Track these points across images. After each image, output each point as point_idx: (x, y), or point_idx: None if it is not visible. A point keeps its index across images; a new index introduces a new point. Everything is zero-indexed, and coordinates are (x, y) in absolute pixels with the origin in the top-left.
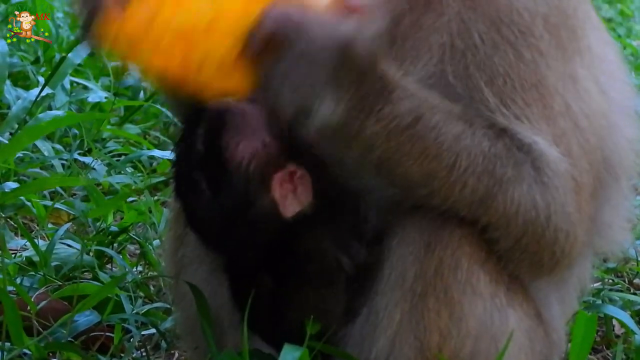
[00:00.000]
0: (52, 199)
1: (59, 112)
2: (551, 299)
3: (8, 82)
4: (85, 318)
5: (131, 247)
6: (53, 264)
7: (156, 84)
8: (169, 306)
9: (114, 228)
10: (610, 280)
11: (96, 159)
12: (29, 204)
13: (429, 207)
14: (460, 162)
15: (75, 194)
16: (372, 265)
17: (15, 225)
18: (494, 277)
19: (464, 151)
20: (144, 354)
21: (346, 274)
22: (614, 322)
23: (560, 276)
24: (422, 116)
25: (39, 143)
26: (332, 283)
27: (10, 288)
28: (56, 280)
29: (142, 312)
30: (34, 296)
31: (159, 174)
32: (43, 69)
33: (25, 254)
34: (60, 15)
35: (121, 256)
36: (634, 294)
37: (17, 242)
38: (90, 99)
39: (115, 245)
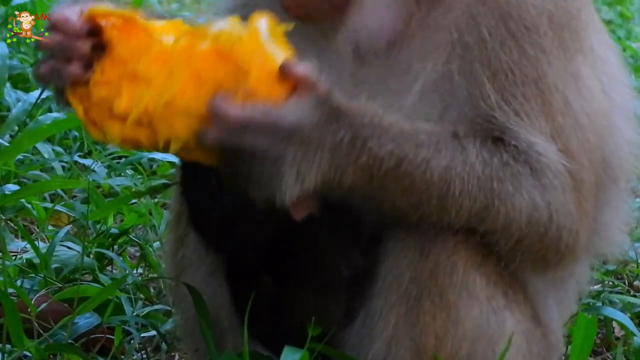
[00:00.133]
0: (52, 201)
1: (59, 115)
2: (549, 300)
3: (8, 84)
4: (85, 320)
5: (131, 249)
6: (53, 266)
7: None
8: (169, 308)
9: (114, 230)
10: (610, 283)
11: (96, 161)
12: (29, 206)
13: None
14: (453, 189)
15: (75, 196)
16: (369, 267)
17: (16, 227)
18: (491, 279)
19: (456, 178)
20: (144, 356)
21: (345, 278)
22: (614, 324)
23: (565, 271)
24: (405, 157)
25: (39, 145)
26: (332, 285)
27: (10, 290)
28: (56, 283)
29: (143, 314)
30: (35, 298)
31: (159, 176)
32: None
33: (25, 256)
34: None
35: (121, 258)
36: (634, 296)
37: (17, 244)
38: None
39: (116, 247)
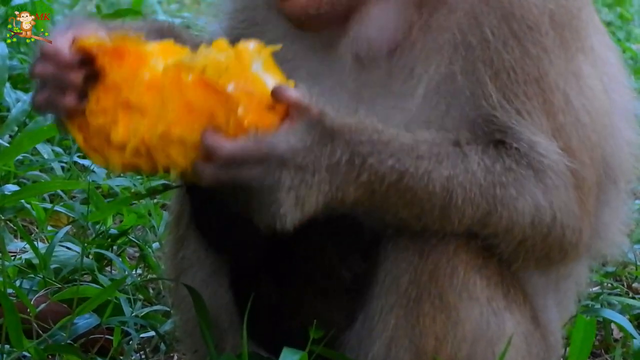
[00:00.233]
0: (51, 202)
1: None
2: (548, 301)
3: (8, 84)
4: (84, 321)
5: (131, 250)
6: (53, 266)
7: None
8: (168, 309)
9: (113, 231)
10: (609, 284)
11: None
12: (28, 206)
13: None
14: (455, 198)
15: (75, 197)
16: (368, 269)
17: (15, 227)
18: (492, 280)
19: (458, 187)
20: (143, 356)
21: (346, 280)
22: (613, 326)
23: (567, 269)
24: (407, 171)
25: (39, 146)
26: (333, 287)
27: (10, 291)
28: (56, 283)
29: (142, 314)
30: (34, 299)
31: (159, 178)
32: None
33: (24, 256)
34: (60, 17)
35: (121, 259)
36: (633, 298)
37: (16, 244)
38: None
39: (115, 248)
